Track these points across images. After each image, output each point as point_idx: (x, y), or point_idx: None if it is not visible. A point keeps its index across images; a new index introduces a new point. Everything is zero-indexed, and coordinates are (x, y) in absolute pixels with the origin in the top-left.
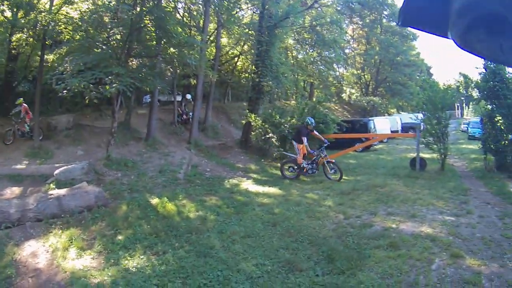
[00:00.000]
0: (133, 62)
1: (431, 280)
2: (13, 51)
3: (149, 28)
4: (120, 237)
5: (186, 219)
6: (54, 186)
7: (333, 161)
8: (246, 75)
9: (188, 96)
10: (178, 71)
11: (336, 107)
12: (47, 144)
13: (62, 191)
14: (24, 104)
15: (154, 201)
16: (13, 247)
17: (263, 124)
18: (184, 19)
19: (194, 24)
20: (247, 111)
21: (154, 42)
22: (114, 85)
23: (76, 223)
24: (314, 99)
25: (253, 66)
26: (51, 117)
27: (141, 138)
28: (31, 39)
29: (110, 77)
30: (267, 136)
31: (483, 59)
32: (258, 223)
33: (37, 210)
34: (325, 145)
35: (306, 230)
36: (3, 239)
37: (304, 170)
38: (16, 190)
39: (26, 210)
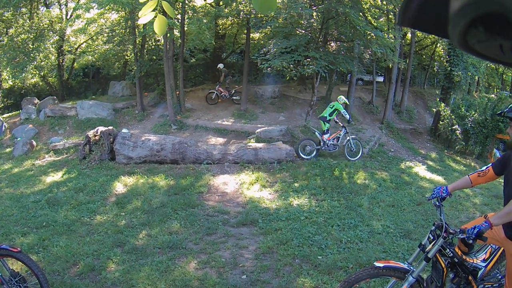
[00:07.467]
0: (331, 45)
1: None
2: (220, 32)
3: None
4: (296, 184)
5: (352, 183)
6: (253, 141)
7: None
8: (442, 62)
9: (221, 66)
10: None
11: None
12: (253, 108)
13: (260, 145)
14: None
15: (333, 165)
16: (210, 176)
17: (451, 114)
18: (380, 1)
19: (393, 7)
20: (438, 100)
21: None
22: (310, 66)
23: (265, 169)
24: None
25: (446, 54)
26: (258, 86)
27: None
28: (235, 25)
29: (307, 60)
30: (453, 127)
31: (483, 60)
32: (406, 199)
33: (235, 155)
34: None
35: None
36: (203, 170)
37: None
38: (220, 140)
39: (226, 154)
